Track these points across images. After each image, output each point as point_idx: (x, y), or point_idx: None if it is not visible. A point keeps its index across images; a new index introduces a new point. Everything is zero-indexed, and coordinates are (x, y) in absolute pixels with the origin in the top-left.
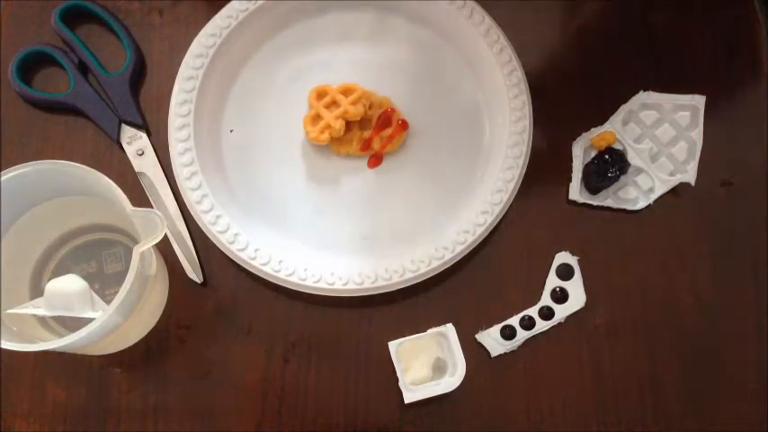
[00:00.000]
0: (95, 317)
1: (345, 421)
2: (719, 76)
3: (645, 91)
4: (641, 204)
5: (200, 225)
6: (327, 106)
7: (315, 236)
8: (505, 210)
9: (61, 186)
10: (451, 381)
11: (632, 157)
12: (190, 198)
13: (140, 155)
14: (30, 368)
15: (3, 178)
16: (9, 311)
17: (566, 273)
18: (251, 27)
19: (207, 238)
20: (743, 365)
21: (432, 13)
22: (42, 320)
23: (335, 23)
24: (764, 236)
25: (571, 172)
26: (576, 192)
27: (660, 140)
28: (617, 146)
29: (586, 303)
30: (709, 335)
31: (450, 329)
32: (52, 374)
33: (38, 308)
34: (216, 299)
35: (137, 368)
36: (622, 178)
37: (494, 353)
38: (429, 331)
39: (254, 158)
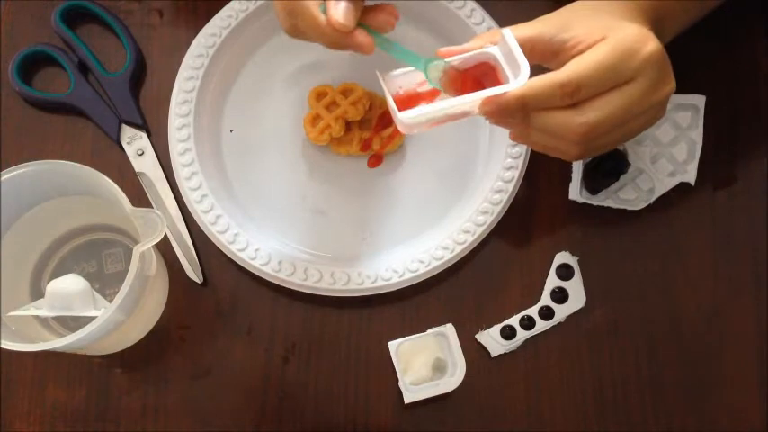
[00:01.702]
0: (97, 315)
1: (345, 421)
2: (719, 76)
3: None
4: (641, 205)
5: (200, 225)
6: (327, 107)
7: (315, 236)
8: (505, 210)
9: (61, 186)
10: (451, 381)
11: (632, 158)
12: (190, 198)
13: (140, 155)
14: (30, 368)
15: (3, 178)
16: (11, 314)
17: (566, 273)
18: (251, 27)
19: (207, 238)
20: (743, 365)
21: (431, 13)
22: (43, 320)
23: None
24: (764, 236)
25: (571, 172)
26: (575, 192)
27: (660, 141)
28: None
29: (586, 303)
30: (709, 335)
31: (450, 329)
32: (52, 374)
33: (39, 309)
34: (216, 299)
35: (137, 368)
36: (622, 178)
37: (494, 353)
38: (429, 331)
39: (254, 158)
